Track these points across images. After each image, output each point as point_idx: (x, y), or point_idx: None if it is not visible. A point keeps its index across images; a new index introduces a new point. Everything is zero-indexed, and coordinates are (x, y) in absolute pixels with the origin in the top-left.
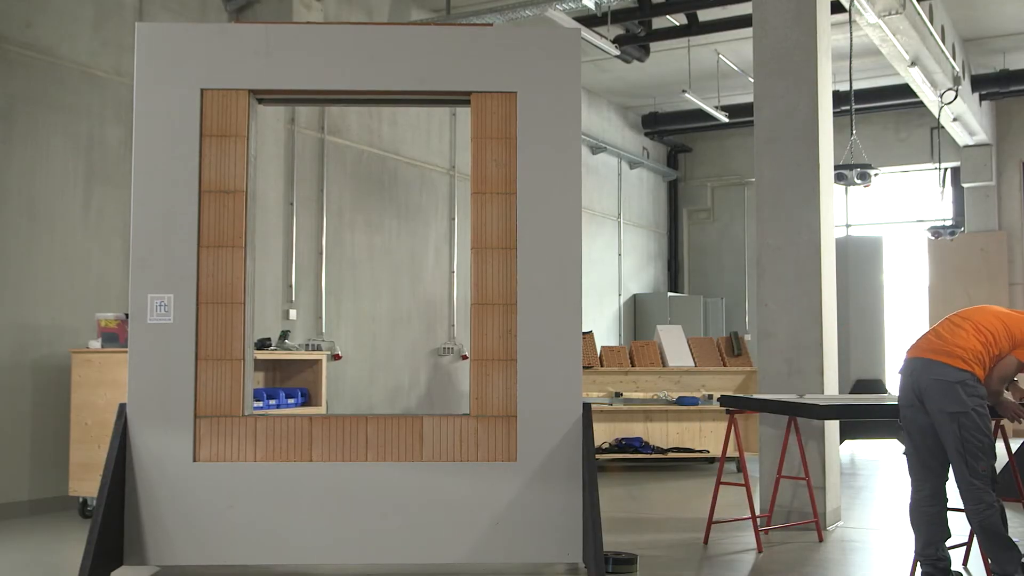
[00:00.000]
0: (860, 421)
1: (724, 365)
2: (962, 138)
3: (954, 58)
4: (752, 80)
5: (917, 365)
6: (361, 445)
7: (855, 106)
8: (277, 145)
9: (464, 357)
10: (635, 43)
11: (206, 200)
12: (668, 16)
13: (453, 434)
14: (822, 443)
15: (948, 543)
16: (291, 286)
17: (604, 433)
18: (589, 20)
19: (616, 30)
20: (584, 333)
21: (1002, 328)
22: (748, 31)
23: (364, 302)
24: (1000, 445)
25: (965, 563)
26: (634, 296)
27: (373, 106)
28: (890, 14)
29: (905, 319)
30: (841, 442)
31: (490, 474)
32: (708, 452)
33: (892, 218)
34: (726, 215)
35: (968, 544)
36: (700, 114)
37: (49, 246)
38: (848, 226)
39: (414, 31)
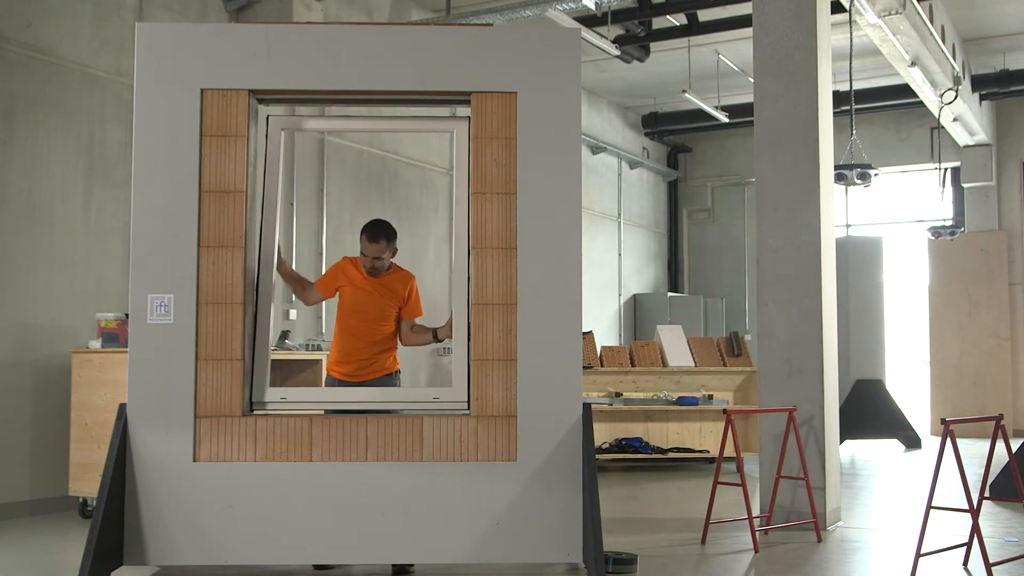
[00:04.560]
0: (860, 421)
1: (724, 365)
2: (962, 138)
3: (954, 58)
4: (752, 80)
5: None
6: (361, 445)
7: (855, 106)
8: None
9: None
10: (635, 43)
11: (206, 200)
12: (668, 16)
13: (453, 434)
14: (822, 443)
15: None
16: None
17: (604, 433)
18: (589, 20)
19: (616, 30)
20: (584, 333)
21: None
22: (748, 31)
23: None
24: (1000, 445)
25: (965, 563)
26: (634, 296)
27: (373, 106)
28: (890, 14)
29: (905, 319)
30: (841, 442)
31: (490, 474)
32: (708, 452)
33: (892, 218)
34: (726, 215)
35: (968, 544)
36: (700, 114)
37: (49, 246)
38: (848, 226)
39: (414, 31)
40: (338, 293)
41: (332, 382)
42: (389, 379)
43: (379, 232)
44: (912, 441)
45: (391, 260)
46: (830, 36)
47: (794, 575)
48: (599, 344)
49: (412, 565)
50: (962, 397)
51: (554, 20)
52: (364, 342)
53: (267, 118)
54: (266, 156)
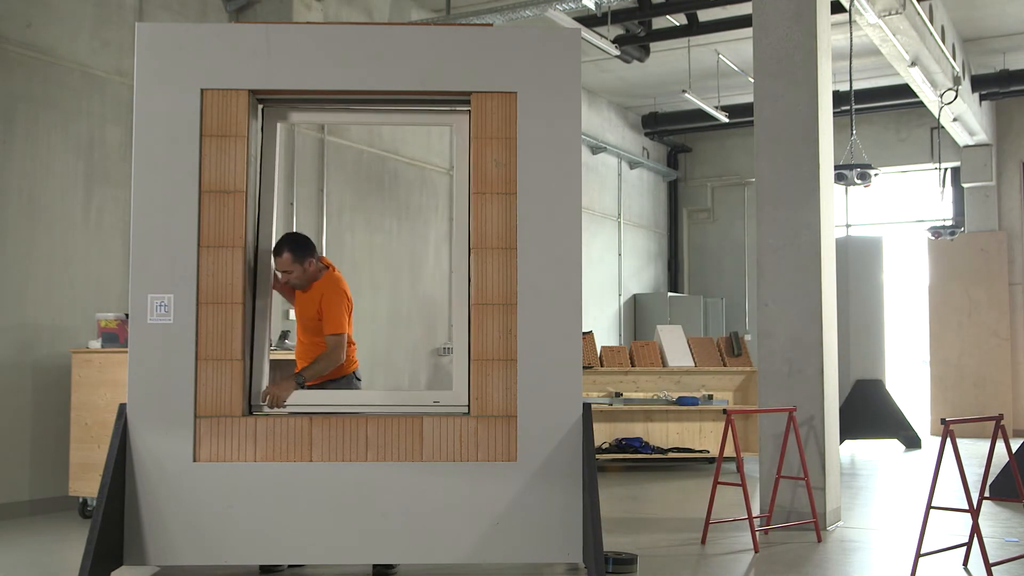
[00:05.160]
0: (860, 421)
1: (724, 365)
2: (962, 138)
3: (954, 58)
4: (752, 80)
5: None
6: (361, 445)
7: (855, 106)
8: (277, 145)
9: None
10: (635, 43)
11: (206, 200)
12: (668, 16)
13: (453, 434)
14: (822, 443)
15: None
16: None
17: (604, 433)
18: (589, 20)
19: (616, 30)
20: (584, 333)
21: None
22: (748, 31)
23: (364, 302)
24: (1000, 445)
25: (965, 563)
26: (634, 296)
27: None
28: (890, 14)
29: (905, 319)
30: (841, 442)
31: (490, 474)
32: (708, 452)
33: (892, 218)
34: (726, 215)
35: (968, 544)
36: (700, 114)
37: (49, 246)
38: (848, 226)
39: (414, 31)
40: None
41: None
42: (346, 380)
43: (281, 247)
44: (912, 441)
45: (315, 270)
46: (830, 36)
47: (794, 575)
48: (599, 344)
49: (395, 565)
50: (962, 397)
51: (554, 20)
52: (312, 347)
53: (261, 109)
54: (262, 147)
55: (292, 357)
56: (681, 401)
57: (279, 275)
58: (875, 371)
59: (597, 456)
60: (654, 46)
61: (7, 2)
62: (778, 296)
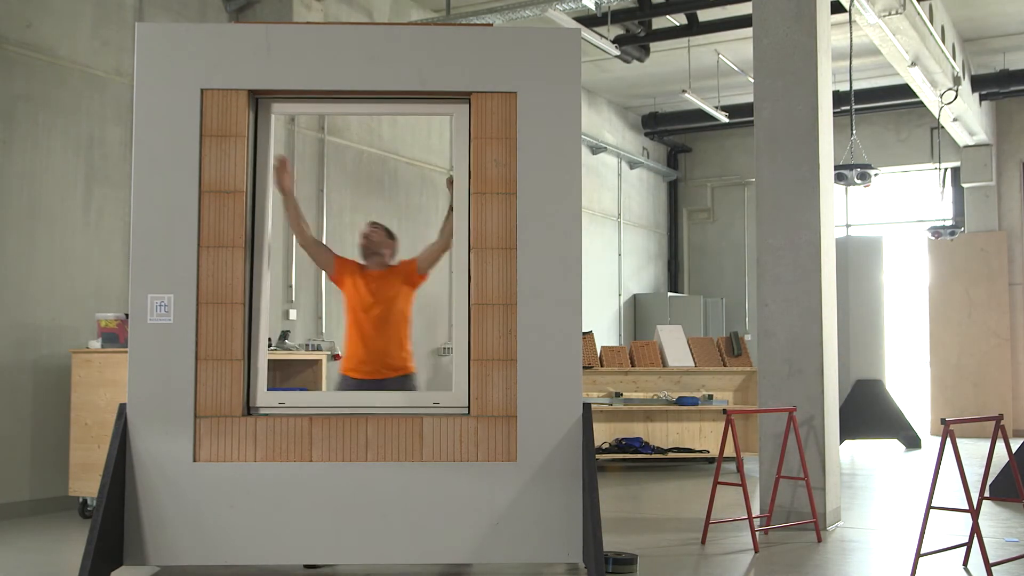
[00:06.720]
0: (860, 421)
1: (724, 365)
2: (962, 138)
3: (954, 58)
4: (752, 80)
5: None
6: (361, 445)
7: (855, 106)
8: (277, 145)
9: None
10: (635, 43)
11: (206, 200)
12: (668, 16)
13: (453, 434)
14: (822, 443)
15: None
16: (291, 286)
17: (604, 433)
18: (589, 20)
19: (616, 30)
20: (584, 333)
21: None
22: (748, 31)
23: None
24: (1000, 445)
25: (965, 563)
26: (634, 296)
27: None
28: (890, 14)
29: (905, 319)
30: (841, 442)
31: (490, 474)
32: (708, 452)
33: (892, 218)
34: (726, 215)
35: (968, 544)
36: (700, 114)
37: (49, 246)
38: (848, 226)
39: (414, 31)
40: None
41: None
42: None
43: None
44: (912, 441)
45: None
46: (830, 36)
47: (794, 575)
48: (599, 344)
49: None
50: (962, 397)
51: (554, 20)
52: (381, 336)
53: (256, 100)
54: (255, 139)
55: (291, 357)
56: (681, 401)
57: (365, 237)
58: (875, 371)
59: (597, 456)
60: (654, 46)
61: (7, 2)
62: (778, 296)
